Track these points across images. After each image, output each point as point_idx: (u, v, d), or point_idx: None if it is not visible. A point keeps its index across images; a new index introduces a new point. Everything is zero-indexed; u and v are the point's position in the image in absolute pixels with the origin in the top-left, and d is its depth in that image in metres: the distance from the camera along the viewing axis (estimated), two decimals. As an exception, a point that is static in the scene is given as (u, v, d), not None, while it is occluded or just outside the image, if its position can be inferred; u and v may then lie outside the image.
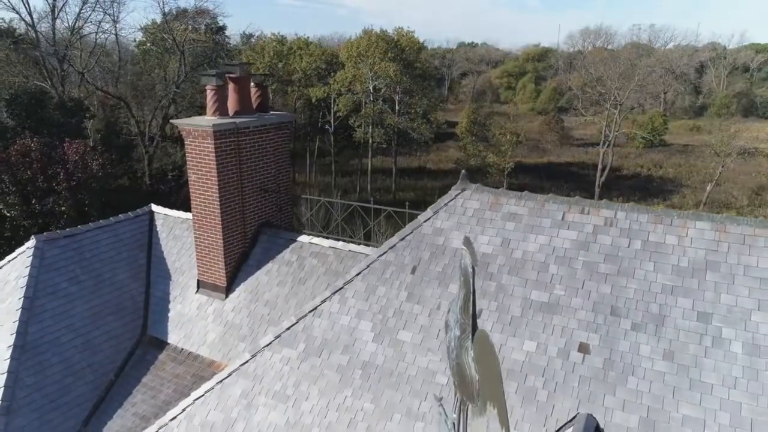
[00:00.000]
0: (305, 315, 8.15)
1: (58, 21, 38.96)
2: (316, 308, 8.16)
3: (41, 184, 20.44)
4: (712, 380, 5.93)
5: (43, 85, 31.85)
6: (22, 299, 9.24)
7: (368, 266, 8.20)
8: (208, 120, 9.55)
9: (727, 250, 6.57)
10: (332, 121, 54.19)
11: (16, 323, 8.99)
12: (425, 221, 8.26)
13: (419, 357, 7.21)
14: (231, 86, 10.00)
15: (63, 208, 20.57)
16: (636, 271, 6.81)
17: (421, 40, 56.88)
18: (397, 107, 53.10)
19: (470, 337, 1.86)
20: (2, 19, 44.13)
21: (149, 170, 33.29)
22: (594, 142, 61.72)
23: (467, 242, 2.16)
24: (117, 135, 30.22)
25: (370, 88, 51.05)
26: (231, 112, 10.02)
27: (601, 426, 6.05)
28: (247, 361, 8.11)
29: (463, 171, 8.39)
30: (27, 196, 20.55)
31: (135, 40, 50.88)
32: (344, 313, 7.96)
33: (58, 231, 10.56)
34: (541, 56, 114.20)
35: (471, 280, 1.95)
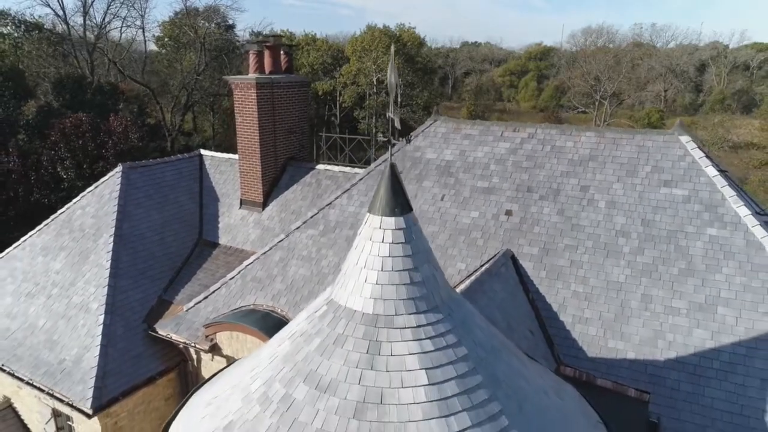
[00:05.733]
0: (323, 207, 11.58)
1: (87, 16, 42.67)
2: (331, 203, 11.58)
3: (92, 151, 23.95)
4: (585, 224, 9.31)
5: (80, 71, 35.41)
6: (117, 206, 12.70)
7: (368, 173, 11.62)
8: (251, 76, 13.00)
9: (603, 147, 9.95)
10: (338, 114, 57.57)
11: (114, 221, 12.45)
12: (409, 142, 11.66)
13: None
14: (267, 52, 13.43)
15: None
16: (545, 165, 10.20)
17: (422, 36, 60.05)
18: (399, 99, 56.38)
19: (394, 94, 4.86)
20: (32, 14, 47.50)
21: (172, 150, 36.86)
22: (589, 135, 64.46)
23: (393, 68, 5.16)
24: (147, 116, 33.74)
25: (374, 80, 54.46)
26: (267, 71, 13.46)
27: (516, 255, 9.44)
28: (282, 239, 11.54)
29: (435, 107, 11.79)
30: (80, 162, 24.07)
31: (153, 36, 54.59)
32: (351, 205, 11.38)
33: (135, 162, 14.04)
34: (543, 55, 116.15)
35: (392, 70, 4.89)
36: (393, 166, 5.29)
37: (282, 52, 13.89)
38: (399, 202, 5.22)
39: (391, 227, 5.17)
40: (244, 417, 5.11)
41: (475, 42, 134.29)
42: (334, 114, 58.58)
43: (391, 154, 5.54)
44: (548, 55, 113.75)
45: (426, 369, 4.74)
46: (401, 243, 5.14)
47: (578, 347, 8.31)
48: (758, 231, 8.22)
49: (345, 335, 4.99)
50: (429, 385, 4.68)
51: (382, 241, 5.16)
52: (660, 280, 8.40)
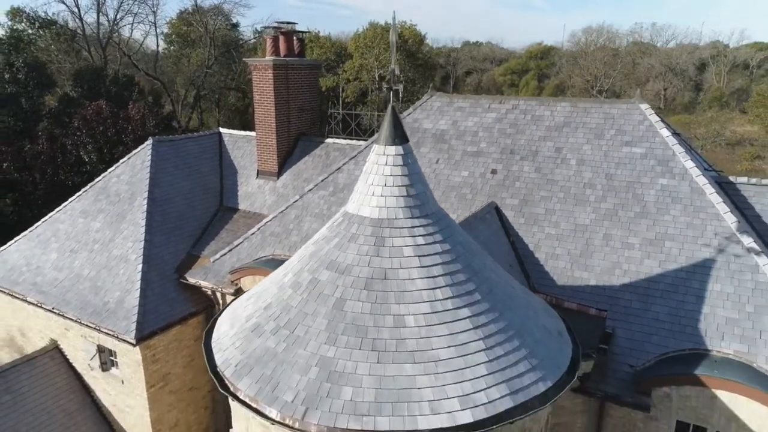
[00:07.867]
0: (333, 172, 13.15)
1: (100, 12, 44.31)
2: (339, 168, 13.16)
3: (112, 137, 25.55)
4: (558, 179, 10.88)
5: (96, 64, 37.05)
6: (149, 173, 14.30)
7: (372, 142, 13.18)
8: (269, 58, 14.59)
9: (576, 115, 11.51)
10: (341, 110, 59.08)
11: (147, 186, 14.04)
12: (408, 115, 13.24)
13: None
14: (282, 38, 15.02)
15: (129, 156, 25.60)
16: (526, 131, 11.77)
17: (423, 33, 61.48)
18: (400, 95, 57.77)
19: (394, 51, 6.34)
20: (45, 12, 49.18)
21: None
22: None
23: (394, 30, 6.66)
24: (160, 107, 35.35)
25: (376, 76, 56.00)
26: (282, 54, 15.05)
27: (499, 206, 11.01)
28: (297, 200, 13.12)
29: (431, 83, 13.35)
30: (101, 147, 25.67)
31: (162, 33, 56.20)
32: (357, 169, 12.95)
33: (164, 136, 15.63)
34: (543, 54, 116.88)
35: (393, 31, 6.42)
36: (393, 108, 6.86)
37: (295, 38, 15.47)
38: (398, 134, 6.79)
39: (392, 153, 6.74)
40: (280, 298, 6.69)
41: (477, 42, 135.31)
42: (337, 110, 60.07)
43: (392, 100, 7.10)
44: (549, 54, 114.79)
45: (418, 256, 6.32)
46: (400, 165, 6.71)
47: (550, 278, 9.87)
48: (700, 180, 9.78)
49: (357, 234, 6.57)
50: (420, 267, 6.25)
51: (385, 164, 6.73)
52: (619, 222, 9.96)
